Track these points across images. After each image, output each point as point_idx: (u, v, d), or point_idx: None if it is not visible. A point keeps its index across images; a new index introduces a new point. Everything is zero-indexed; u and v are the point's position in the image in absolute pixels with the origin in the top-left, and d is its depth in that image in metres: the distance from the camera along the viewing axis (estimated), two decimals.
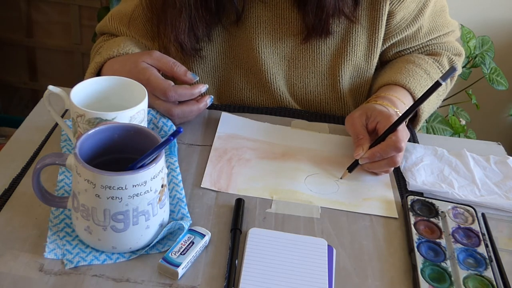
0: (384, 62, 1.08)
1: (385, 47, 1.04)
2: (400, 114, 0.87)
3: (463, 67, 1.79)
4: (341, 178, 0.84)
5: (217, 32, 1.00)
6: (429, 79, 0.98)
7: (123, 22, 1.02)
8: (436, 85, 0.81)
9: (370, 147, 0.84)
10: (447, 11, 1.07)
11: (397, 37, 1.02)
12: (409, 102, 0.95)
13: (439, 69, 1.02)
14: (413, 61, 1.01)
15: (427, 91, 0.83)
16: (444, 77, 0.80)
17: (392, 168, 0.85)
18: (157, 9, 0.95)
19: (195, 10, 0.92)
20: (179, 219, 0.72)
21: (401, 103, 0.92)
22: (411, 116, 0.95)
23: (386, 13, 0.97)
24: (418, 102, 0.85)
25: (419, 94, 0.95)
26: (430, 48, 1.06)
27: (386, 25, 0.99)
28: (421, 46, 1.05)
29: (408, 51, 1.06)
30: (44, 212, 0.72)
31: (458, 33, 1.11)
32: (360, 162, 0.84)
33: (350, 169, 0.84)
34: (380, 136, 0.84)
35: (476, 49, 1.83)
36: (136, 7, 1.00)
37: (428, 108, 0.99)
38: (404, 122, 0.85)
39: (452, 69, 0.80)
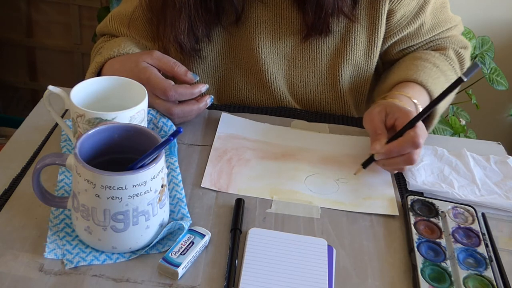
0: (389, 61, 1.07)
1: (387, 45, 1.03)
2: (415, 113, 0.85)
3: None
4: (355, 174, 0.83)
5: (217, 32, 1.00)
6: (439, 71, 0.97)
7: (123, 23, 1.02)
8: (458, 81, 0.79)
9: (387, 143, 0.82)
10: (448, 7, 1.06)
11: (399, 35, 1.02)
12: (424, 97, 0.93)
13: (447, 61, 1.01)
14: (420, 57, 1.00)
15: (448, 88, 0.81)
16: (467, 73, 0.77)
17: (406, 167, 0.84)
18: (157, 10, 0.95)
19: (194, 10, 0.92)
20: (179, 219, 0.72)
21: (412, 103, 0.90)
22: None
23: (386, 12, 0.97)
24: (438, 99, 0.83)
25: (431, 86, 0.93)
26: (435, 43, 1.05)
27: (386, 24, 0.99)
28: (425, 43, 1.05)
29: (412, 49, 1.05)
30: (44, 212, 0.72)
31: (461, 28, 1.10)
32: (375, 157, 0.82)
33: (365, 165, 0.83)
34: (397, 132, 0.82)
35: (476, 49, 1.83)
36: (136, 8, 1.00)
37: (443, 103, 0.95)
38: (421, 121, 0.83)
39: (475, 65, 0.76)
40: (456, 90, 0.82)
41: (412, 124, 0.81)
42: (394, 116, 0.84)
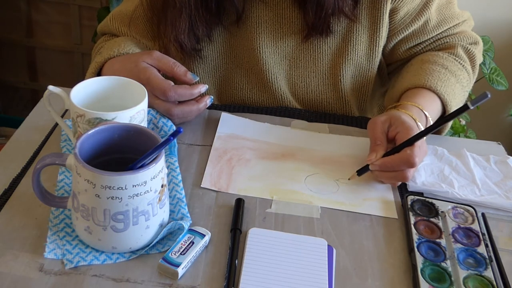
0: (397, 61, 1.07)
1: (392, 44, 1.03)
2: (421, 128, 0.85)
3: None
4: (349, 179, 0.84)
5: (218, 32, 1.00)
6: (448, 73, 0.96)
7: (124, 22, 1.02)
8: (464, 108, 0.79)
9: (385, 155, 0.82)
10: (455, 3, 1.04)
11: (403, 33, 1.01)
12: (436, 104, 0.93)
13: (457, 60, 1.00)
14: (428, 60, 0.99)
15: (452, 113, 0.81)
16: (475, 102, 0.76)
17: (400, 182, 0.83)
18: (157, 9, 0.95)
19: (195, 10, 0.92)
20: (179, 219, 0.72)
21: (423, 114, 0.89)
22: (440, 113, 0.94)
23: (388, 11, 0.97)
24: (442, 121, 0.83)
25: (441, 89, 0.93)
26: (443, 41, 1.04)
27: (390, 22, 0.98)
28: (432, 40, 1.04)
29: (420, 47, 1.04)
30: (44, 212, 0.72)
31: (471, 23, 1.09)
32: (370, 168, 0.82)
33: (360, 172, 0.83)
34: (396, 147, 0.82)
35: None
36: (136, 7, 1.00)
37: (455, 103, 0.96)
38: (423, 139, 0.82)
39: (484, 95, 0.76)
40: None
41: (411, 142, 0.80)
42: (396, 129, 0.84)
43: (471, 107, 0.77)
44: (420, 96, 0.92)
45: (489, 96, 0.76)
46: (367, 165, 0.83)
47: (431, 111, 0.91)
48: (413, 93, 0.93)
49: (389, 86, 1.07)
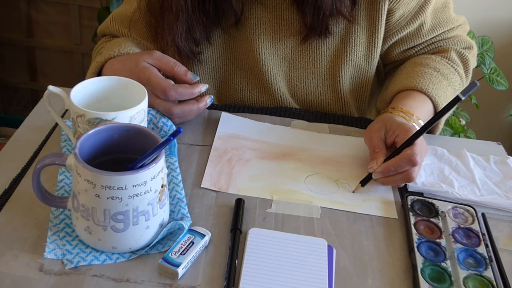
0: (391, 62, 1.07)
1: (387, 45, 1.03)
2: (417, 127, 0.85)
3: None
4: (353, 192, 0.82)
5: (217, 35, 1.00)
6: (440, 76, 0.96)
7: (124, 24, 1.02)
8: (456, 99, 0.79)
9: (385, 161, 0.81)
10: (451, 7, 1.05)
11: (398, 35, 1.01)
12: (427, 106, 0.93)
13: (449, 64, 1.00)
14: (420, 62, 0.99)
15: (445, 106, 0.82)
16: (465, 92, 0.77)
17: (405, 183, 0.83)
18: (155, 13, 0.95)
19: (192, 13, 0.92)
20: (179, 219, 0.72)
21: (416, 117, 0.90)
22: (432, 115, 0.93)
23: (386, 12, 0.97)
24: (436, 116, 0.83)
25: (433, 92, 0.93)
26: (437, 45, 1.04)
27: (385, 23, 0.98)
28: (426, 44, 1.04)
29: (414, 50, 1.04)
30: (44, 212, 0.72)
31: (466, 27, 1.09)
32: (373, 176, 0.81)
33: (363, 183, 0.82)
34: (395, 150, 0.81)
35: None
36: (136, 9, 1.00)
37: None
38: (422, 137, 0.82)
39: (473, 84, 0.77)
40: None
41: (409, 142, 0.80)
42: (394, 133, 0.84)
43: (463, 98, 0.78)
44: (412, 98, 0.93)
45: (478, 84, 0.77)
46: (370, 174, 0.82)
47: (422, 114, 0.91)
48: (405, 95, 0.94)
49: (382, 88, 1.07)
